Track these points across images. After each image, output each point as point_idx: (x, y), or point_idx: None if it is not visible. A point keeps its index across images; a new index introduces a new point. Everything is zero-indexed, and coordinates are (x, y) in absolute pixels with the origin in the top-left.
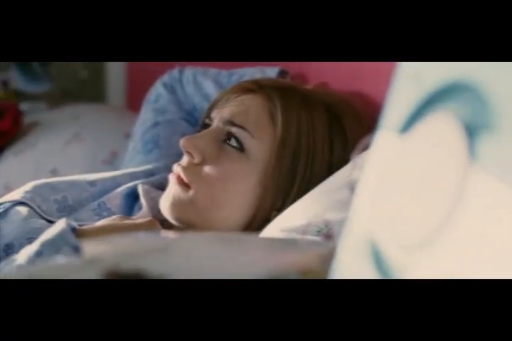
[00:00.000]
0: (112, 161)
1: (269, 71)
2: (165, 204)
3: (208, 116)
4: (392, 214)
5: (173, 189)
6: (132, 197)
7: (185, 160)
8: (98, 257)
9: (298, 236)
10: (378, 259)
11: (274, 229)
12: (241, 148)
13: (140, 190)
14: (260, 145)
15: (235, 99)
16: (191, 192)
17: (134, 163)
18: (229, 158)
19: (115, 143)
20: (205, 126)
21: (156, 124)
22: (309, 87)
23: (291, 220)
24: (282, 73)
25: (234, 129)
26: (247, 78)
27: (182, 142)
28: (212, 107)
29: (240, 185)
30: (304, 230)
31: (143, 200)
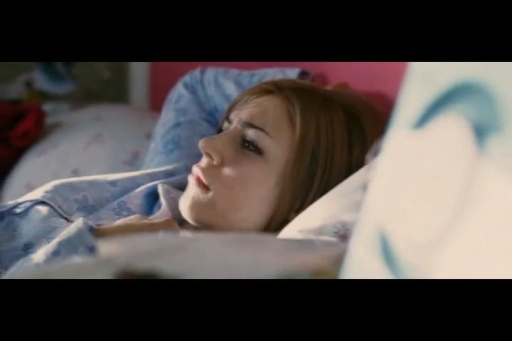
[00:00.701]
0: (133, 162)
1: (290, 72)
2: (184, 206)
3: (227, 117)
4: (403, 210)
5: (192, 190)
6: (152, 196)
7: (204, 161)
8: (112, 257)
9: (314, 237)
10: (388, 253)
11: (292, 230)
12: (259, 150)
13: (160, 189)
14: (279, 146)
15: (253, 100)
16: (210, 194)
17: (154, 164)
18: (247, 160)
19: (137, 144)
20: (223, 128)
21: (177, 125)
22: (329, 87)
23: (309, 221)
24: (303, 74)
25: (252, 131)
26: (268, 79)
27: (201, 143)
28: (230, 109)
29: (259, 187)
30: (322, 231)
31: (162, 200)
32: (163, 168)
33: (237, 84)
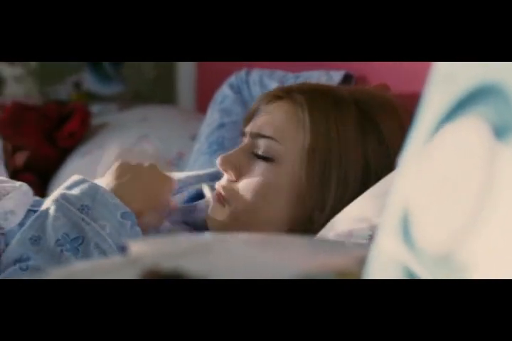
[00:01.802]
0: (177, 162)
1: (335, 74)
2: (209, 221)
3: (243, 132)
4: (425, 205)
5: (214, 206)
6: (196, 199)
7: (224, 178)
8: (139, 257)
9: (346, 239)
10: (409, 239)
11: (326, 232)
12: (272, 158)
13: (205, 189)
14: (291, 151)
15: (264, 109)
16: (230, 208)
17: (198, 164)
18: (263, 170)
19: (182, 145)
20: (242, 142)
21: (221, 125)
22: (369, 88)
23: (342, 224)
24: (347, 76)
25: (263, 141)
26: (312, 81)
27: (217, 161)
28: (246, 123)
29: (277, 193)
30: (354, 233)
31: (208, 196)
32: (207, 170)
33: (282, 84)
